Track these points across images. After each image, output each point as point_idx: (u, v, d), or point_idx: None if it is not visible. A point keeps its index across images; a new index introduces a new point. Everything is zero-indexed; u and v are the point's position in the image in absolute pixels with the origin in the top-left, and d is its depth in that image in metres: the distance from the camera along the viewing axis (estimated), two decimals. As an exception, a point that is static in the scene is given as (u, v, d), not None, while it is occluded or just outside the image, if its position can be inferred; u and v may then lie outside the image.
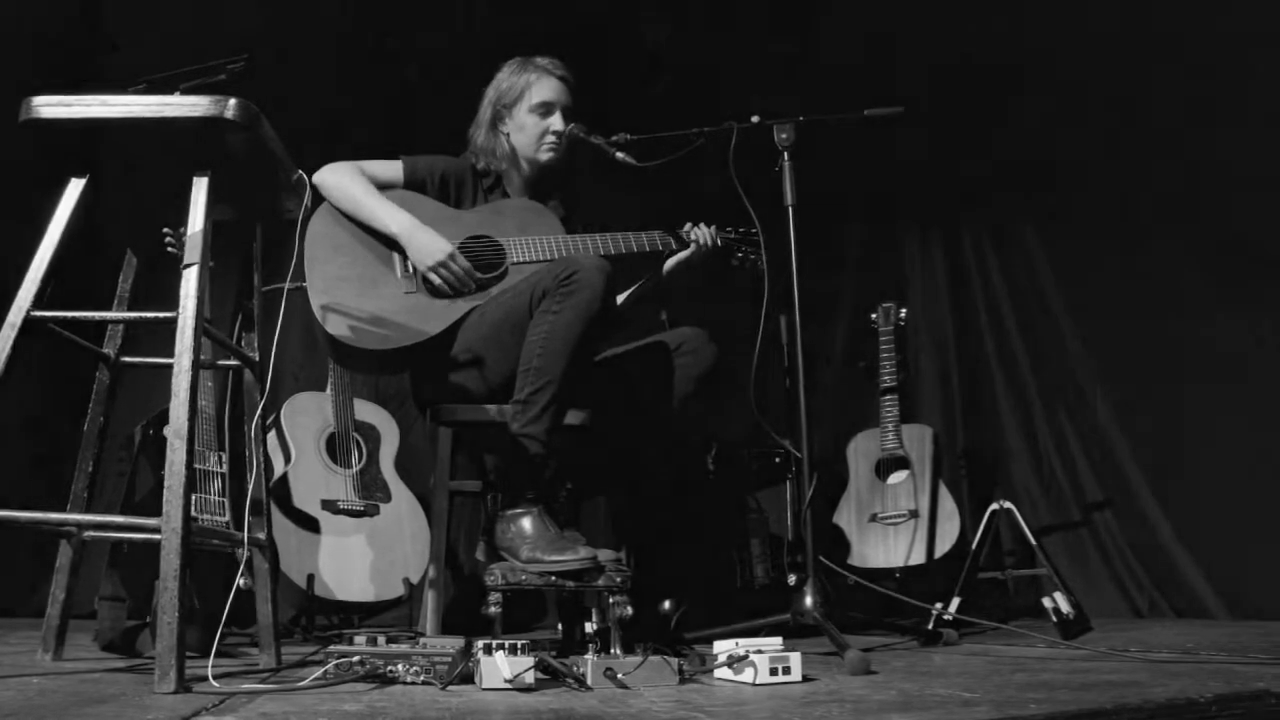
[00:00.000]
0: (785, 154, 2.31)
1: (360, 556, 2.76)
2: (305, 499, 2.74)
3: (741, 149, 2.32)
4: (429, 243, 2.13)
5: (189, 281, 1.56)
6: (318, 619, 2.74)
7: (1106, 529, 3.33)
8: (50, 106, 1.57)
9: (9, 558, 2.98)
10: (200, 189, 1.60)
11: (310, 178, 2.14)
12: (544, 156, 2.34)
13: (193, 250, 1.58)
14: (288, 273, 1.86)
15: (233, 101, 1.57)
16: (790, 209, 2.29)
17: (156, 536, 1.40)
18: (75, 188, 1.63)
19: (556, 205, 2.40)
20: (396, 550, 2.82)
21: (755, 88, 3.64)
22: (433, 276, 2.13)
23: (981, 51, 3.66)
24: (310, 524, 2.72)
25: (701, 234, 2.37)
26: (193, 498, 2.20)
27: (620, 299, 2.40)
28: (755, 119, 2.34)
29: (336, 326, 2.05)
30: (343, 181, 2.18)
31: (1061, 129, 3.51)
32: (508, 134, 2.35)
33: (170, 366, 1.49)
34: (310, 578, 2.65)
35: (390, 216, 2.15)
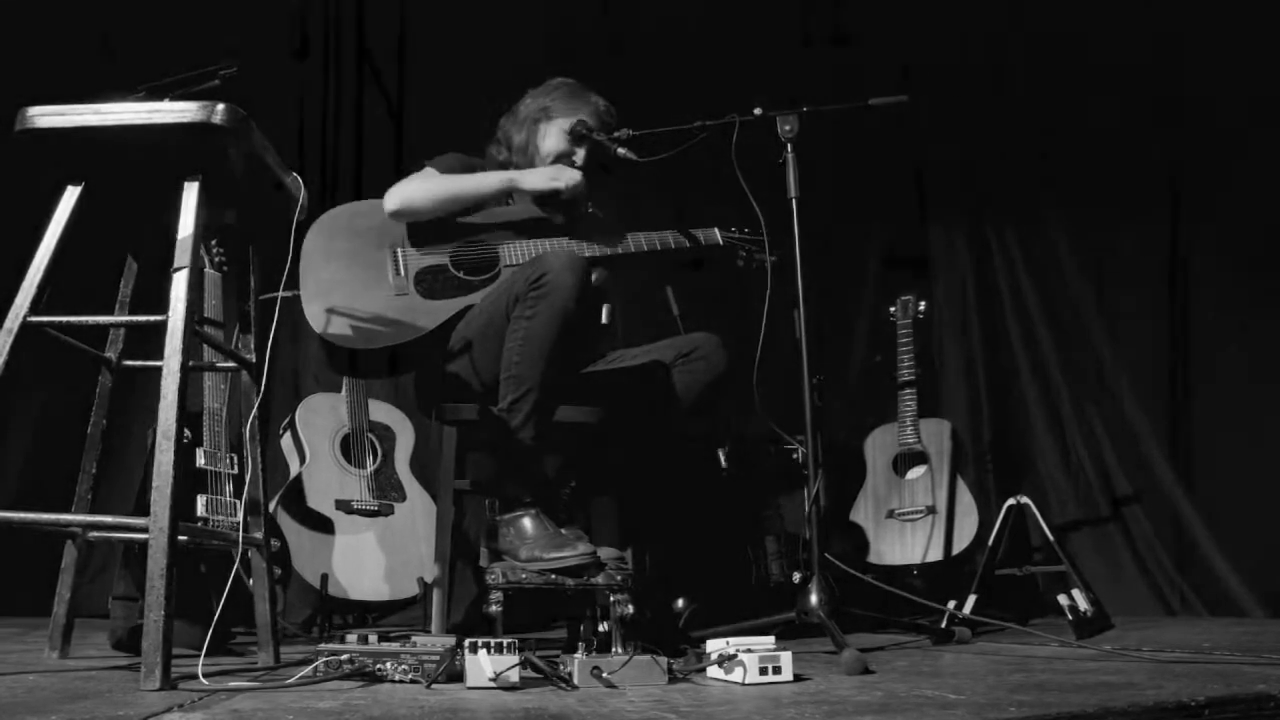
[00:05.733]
0: (789, 146, 2.28)
1: (374, 556, 2.78)
2: (319, 499, 2.77)
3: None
4: (535, 173, 2.26)
5: (179, 285, 1.57)
6: (334, 618, 2.76)
7: (1136, 524, 3.23)
8: (45, 116, 1.60)
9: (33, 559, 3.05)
10: (191, 193, 1.62)
11: (385, 206, 2.19)
12: None
13: (183, 254, 1.59)
14: (283, 280, 1.87)
15: (221, 107, 1.59)
16: (794, 201, 2.26)
17: (144, 536, 1.42)
18: (71, 195, 1.66)
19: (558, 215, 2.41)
20: (411, 550, 2.84)
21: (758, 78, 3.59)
22: (564, 189, 2.23)
23: (997, 38, 3.59)
24: (324, 524, 2.75)
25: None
26: (205, 499, 2.27)
27: None
28: (758, 111, 2.31)
29: (330, 328, 2.07)
30: (424, 187, 2.23)
31: (1086, 116, 3.42)
32: (535, 136, 2.38)
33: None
34: (324, 577, 2.67)
35: (490, 176, 2.26)
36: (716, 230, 2.39)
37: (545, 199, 2.28)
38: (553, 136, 2.35)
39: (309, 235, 2.18)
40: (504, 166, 2.36)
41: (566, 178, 2.24)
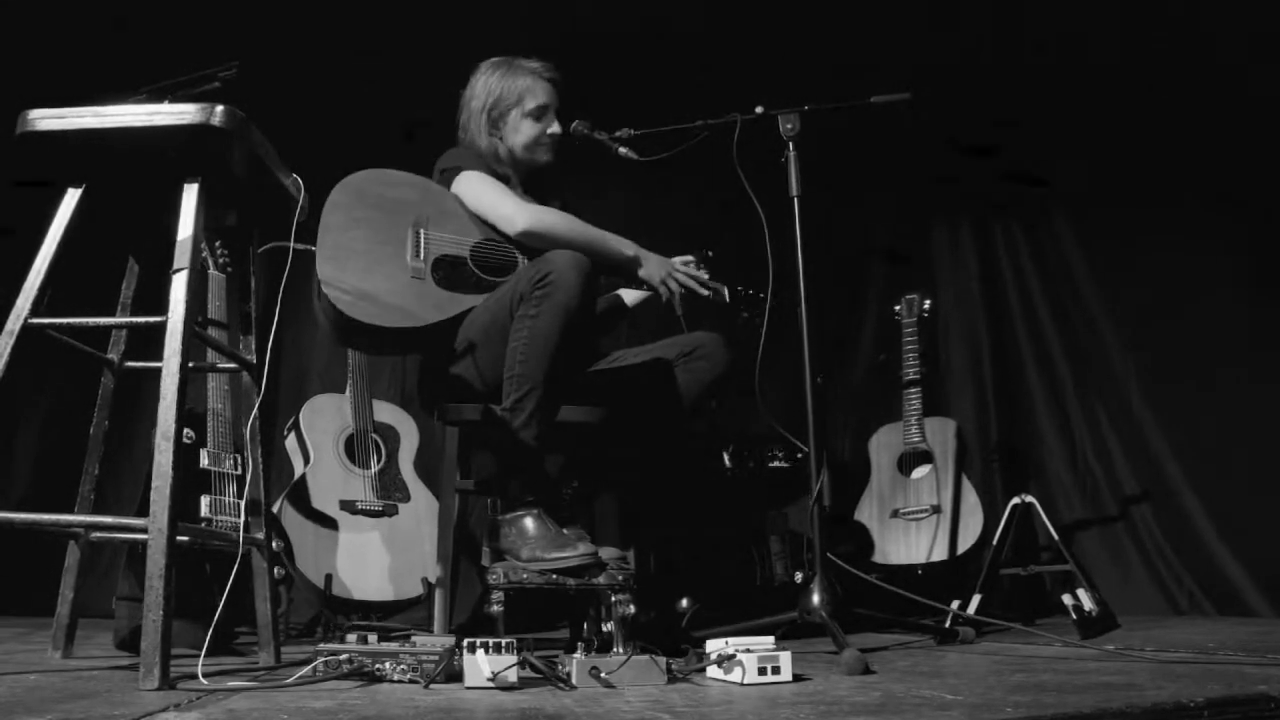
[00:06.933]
0: (790, 144, 2.27)
1: (378, 556, 2.79)
2: (323, 499, 2.78)
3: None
4: (655, 261, 2.27)
5: (178, 286, 1.58)
6: (339, 618, 2.77)
7: (1144, 524, 3.22)
8: (46, 119, 1.61)
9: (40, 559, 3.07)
10: (190, 195, 1.63)
11: (516, 224, 2.18)
12: (543, 158, 2.38)
13: (182, 255, 1.60)
14: (283, 280, 1.85)
15: (219, 109, 1.59)
16: (796, 200, 2.26)
17: (143, 536, 1.43)
18: (72, 197, 1.67)
19: (560, 207, 2.40)
20: (415, 550, 2.85)
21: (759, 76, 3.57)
22: (662, 290, 2.26)
23: (1003, 36, 3.57)
24: (328, 524, 2.76)
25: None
26: (209, 499, 2.28)
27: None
28: (759, 109, 2.31)
29: (336, 295, 2.02)
30: (566, 226, 2.22)
31: (1093, 115, 3.40)
32: (502, 137, 2.36)
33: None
34: (328, 578, 2.68)
35: (624, 247, 2.26)
36: (725, 290, 2.38)
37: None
38: (522, 130, 2.33)
39: (333, 193, 2.12)
40: (493, 174, 2.34)
41: (675, 284, 2.25)
